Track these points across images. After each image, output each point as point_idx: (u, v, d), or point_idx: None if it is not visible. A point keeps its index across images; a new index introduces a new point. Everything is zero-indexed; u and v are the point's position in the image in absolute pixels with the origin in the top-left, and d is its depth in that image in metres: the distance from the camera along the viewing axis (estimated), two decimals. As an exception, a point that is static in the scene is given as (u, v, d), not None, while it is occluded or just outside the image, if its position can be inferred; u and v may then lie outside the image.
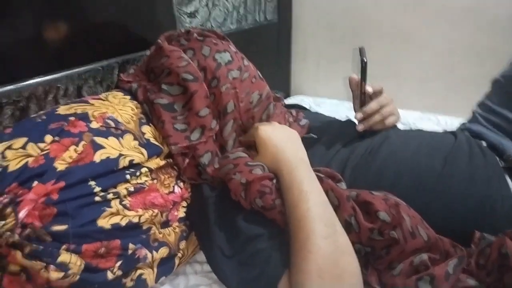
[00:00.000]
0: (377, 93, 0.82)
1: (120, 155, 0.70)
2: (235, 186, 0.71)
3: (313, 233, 0.59)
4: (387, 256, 0.62)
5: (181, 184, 0.82)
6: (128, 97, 0.84)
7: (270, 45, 1.56)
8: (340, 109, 1.57)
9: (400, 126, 0.94)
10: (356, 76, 0.82)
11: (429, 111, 1.48)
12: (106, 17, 0.91)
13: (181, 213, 0.80)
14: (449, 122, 1.39)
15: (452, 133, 0.86)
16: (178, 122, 0.78)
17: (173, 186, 0.79)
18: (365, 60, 0.76)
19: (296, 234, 0.61)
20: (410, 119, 1.42)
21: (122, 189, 0.69)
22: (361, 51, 0.77)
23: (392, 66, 1.48)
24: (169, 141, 0.77)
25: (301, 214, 0.62)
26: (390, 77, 1.50)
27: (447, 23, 1.37)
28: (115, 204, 0.67)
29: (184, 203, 0.82)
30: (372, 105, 0.81)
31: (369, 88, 0.80)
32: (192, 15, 1.12)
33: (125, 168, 0.70)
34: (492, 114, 0.90)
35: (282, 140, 0.76)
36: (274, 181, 0.71)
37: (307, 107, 1.60)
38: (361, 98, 0.81)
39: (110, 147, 0.70)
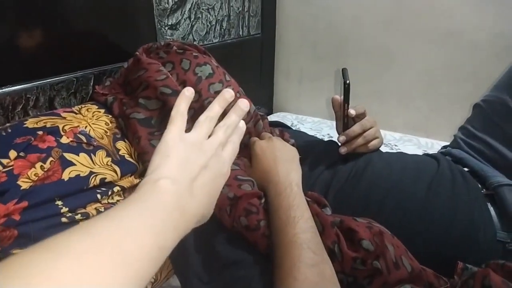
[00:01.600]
0: (360, 116, 0.81)
1: (91, 172, 0.66)
2: (222, 199, 0.67)
3: (300, 260, 0.56)
4: (369, 286, 0.60)
5: (156, 203, 0.77)
6: (103, 110, 0.80)
7: (253, 61, 1.54)
8: (323, 127, 1.56)
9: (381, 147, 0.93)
10: (339, 97, 0.81)
11: (410, 131, 1.49)
12: (84, 25, 0.87)
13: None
14: (430, 144, 1.40)
15: (434, 157, 0.85)
16: (155, 138, 0.75)
17: (148, 206, 0.75)
18: (348, 82, 0.74)
19: (281, 260, 0.58)
20: (391, 140, 1.43)
21: (92, 209, 0.64)
22: (344, 73, 0.76)
23: (373, 85, 1.48)
24: (144, 158, 0.74)
25: (288, 240, 0.59)
26: (371, 96, 1.51)
27: (428, 44, 1.39)
28: (83, 226, 0.62)
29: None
30: (355, 128, 0.80)
31: (351, 111, 0.78)
32: (173, 27, 1.09)
33: (96, 186, 0.66)
34: (473, 139, 0.90)
35: (276, 159, 0.73)
36: (263, 200, 0.68)
37: (290, 124, 1.59)
38: (343, 120, 0.79)
39: (81, 164, 0.65)
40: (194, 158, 0.43)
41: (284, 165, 0.72)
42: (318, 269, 0.56)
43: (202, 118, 0.48)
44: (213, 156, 0.45)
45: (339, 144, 0.82)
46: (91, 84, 0.90)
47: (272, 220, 0.64)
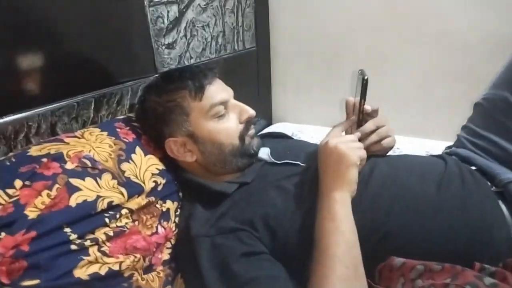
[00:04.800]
0: (373, 114, 0.81)
1: (98, 197, 0.65)
2: None
3: (332, 272, 0.60)
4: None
5: (165, 223, 0.77)
6: (106, 133, 0.79)
7: (250, 73, 1.55)
8: (323, 135, 1.56)
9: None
10: (353, 98, 0.81)
11: (409, 134, 1.49)
12: (82, 50, 0.88)
13: (165, 255, 0.75)
14: (432, 145, 1.40)
15: (441, 157, 0.85)
16: None
17: (156, 227, 0.74)
18: (366, 78, 0.75)
19: (315, 269, 0.62)
20: (393, 143, 1.42)
21: (100, 234, 0.63)
22: (362, 72, 0.77)
23: (369, 90, 1.49)
24: None
25: (320, 250, 0.63)
26: (368, 101, 1.51)
27: (422, 46, 1.40)
28: (93, 251, 0.61)
29: (169, 244, 0.77)
30: (369, 125, 0.80)
31: (367, 107, 0.79)
32: (170, 46, 1.10)
33: (103, 211, 0.65)
34: (477, 138, 0.90)
35: (330, 165, 0.73)
36: None
37: (290, 134, 1.59)
38: (358, 118, 0.79)
39: (87, 189, 0.65)
40: None
41: (333, 172, 0.72)
42: (349, 284, 0.56)
43: None
44: None
45: None
46: (92, 107, 0.90)
47: (317, 218, 0.68)
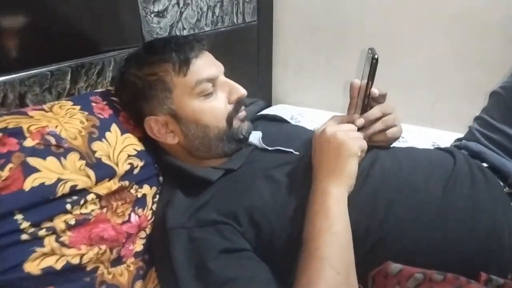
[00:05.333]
0: (380, 99, 0.72)
1: (59, 179, 0.58)
2: None
3: (320, 277, 0.53)
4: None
5: (140, 210, 0.70)
6: (78, 107, 0.71)
7: (249, 50, 1.45)
8: (324, 120, 1.47)
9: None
10: (359, 81, 0.72)
11: (416, 123, 1.40)
12: (59, 12, 0.78)
13: (138, 246, 0.68)
14: (439, 135, 1.31)
15: (449, 152, 0.77)
16: None
17: (129, 214, 0.67)
18: (376, 57, 0.65)
19: (300, 274, 0.55)
20: (398, 131, 1.33)
21: (60, 222, 0.56)
22: (372, 50, 0.67)
23: (376, 74, 1.39)
24: None
25: (308, 252, 0.56)
26: (376, 85, 1.41)
27: (435, 28, 1.29)
28: (50, 242, 0.54)
29: (143, 233, 0.70)
30: (374, 111, 0.70)
31: (375, 90, 0.69)
32: (160, 14, 1.00)
33: (65, 195, 0.58)
34: (491, 131, 0.82)
35: (325, 156, 0.65)
36: None
37: (289, 117, 1.50)
38: (363, 102, 0.70)
39: (47, 170, 0.57)
40: None
41: (331, 163, 0.64)
42: None
43: None
44: None
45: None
46: (68, 78, 0.81)
47: (308, 211, 0.62)
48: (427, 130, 1.35)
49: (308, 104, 1.60)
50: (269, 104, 1.66)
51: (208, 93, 0.72)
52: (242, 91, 0.75)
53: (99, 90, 0.83)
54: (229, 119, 0.74)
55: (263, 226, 0.65)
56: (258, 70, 1.52)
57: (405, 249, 0.62)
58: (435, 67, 1.35)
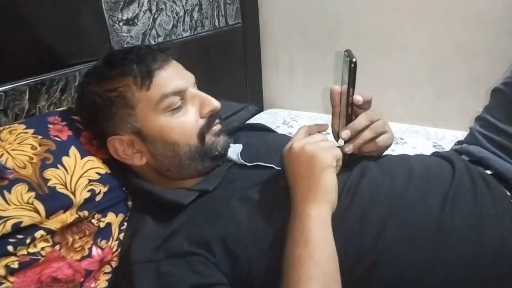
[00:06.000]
0: (365, 105, 0.63)
1: (-1, 218, 0.51)
2: None
3: None
4: None
5: (103, 242, 0.62)
6: (32, 130, 0.64)
7: (235, 53, 1.37)
8: (319, 122, 1.39)
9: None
10: (339, 87, 0.64)
11: (416, 122, 1.32)
12: (13, 26, 0.72)
13: (102, 282, 0.61)
14: (440, 134, 1.23)
15: (447, 159, 0.68)
16: None
17: (89, 248, 0.60)
18: (354, 60, 0.57)
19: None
20: (396, 132, 1.25)
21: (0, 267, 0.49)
22: (349, 53, 0.59)
23: (371, 72, 1.30)
24: None
25: (289, 285, 0.50)
26: (369, 85, 1.32)
27: (432, 19, 1.21)
28: (-13, 291, 0.47)
29: (108, 268, 0.62)
30: (361, 120, 0.62)
31: (358, 97, 0.60)
32: (130, 22, 0.93)
33: (5, 235, 0.51)
34: (494, 132, 0.73)
35: (315, 161, 0.57)
36: None
37: (281, 122, 1.43)
38: (347, 111, 0.62)
39: (-15, 208, 0.50)
40: None
41: (305, 181, 0.56)
42: None
43: None
44: None
45: (339, 144, 0.65)
46: (27, 97, 0.74)
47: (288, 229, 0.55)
48: (428, 129, 1.27)
49: (301, 107, 1.53)
50: (260, 109, 1.58)
51: (176, 107, 0.65)
52: (214, 104, 0.68)
53: (59, 109, 0.76)
54: (201, 135, 0.67)
55: (240, 256, 0.57)
56: (246, 74, 1.44)
57: (400, 277, 0.55)
58: (435, 61, 1.27)
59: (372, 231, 0.57)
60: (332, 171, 0.56)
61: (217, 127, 0.70)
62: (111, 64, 0.66)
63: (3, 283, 0.49)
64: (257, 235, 0.59)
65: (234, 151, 0.74)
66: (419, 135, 1.24)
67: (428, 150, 1.12)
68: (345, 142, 0.63)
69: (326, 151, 0.57)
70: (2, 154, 0.57)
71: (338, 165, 0.59)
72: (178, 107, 0.66)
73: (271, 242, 0.58)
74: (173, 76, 0.66)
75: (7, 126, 0.65)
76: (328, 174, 0.56)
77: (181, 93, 0.66)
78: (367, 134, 0.63)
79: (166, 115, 0.65)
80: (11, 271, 0.50)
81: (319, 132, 0.64)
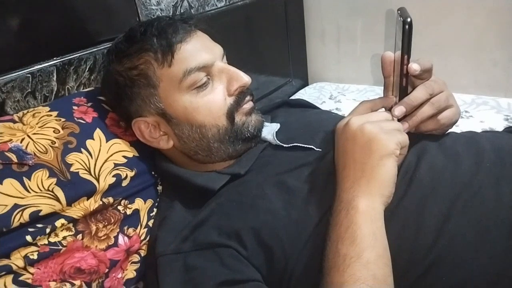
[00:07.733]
0: (425, 75, 0.53)
1: (16, 206, 0.48)
2: None
3: None
4: None
5: (131, 230, 0.59)
6: (55, 113, 0.61)
7: (276, 24, 1.27)
8: (369, 96, 1.28)
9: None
10: (391, 54, 0.54)
11: (485, 92, 1.16)
12: (36, 5, 0.69)
13: (129, 273, 0.58)
14: (514, 106, 1.06)
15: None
16: None
17: (115, 237, 0.57)
18: (409, 20, 0.46)
19: None
20: (460, 104, 1.10)
21: (18, 258, 0.47)
22: (402, 12, 0.49)
23: (431, 37, 1.16)
24: None
25: (338, 283, 0.43)
26: (429, 51, 1.18)
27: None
28: (6, 284, 0.45)
29: (136, 257, 0.59)
30: (418, 93, 0.51)
31: (414, 66, 0.49)
32: (160, -6, 0.87)
33: (23, 225, 0.48)
34: None
35: (375, 146, 0.47)
36: None
37: (328, 96, 1.32)
38: (401, 83, 0.51)
39: (3, 195, 0.48)
40: None
41: (358, 167, 0.48)
42: None
43: None
44: None
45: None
46: (54, 78, 0.72)
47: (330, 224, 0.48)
48: (499, 100, 1.10)
49: (350, 80, 1.41)
50: (305, 83, 1.48)
51: (201, 84, 0.59)
52: (244, 79, 0.60)
53: (86, 90, 0.73)
54: (230, 115, 0.60)
55: (274, 248, 0.51)
56: (289, 45, 1.34)
57: (464, 281, 0.45)
58: (507, 21, 1.08)
59: (431, 227, 0.47)
60: (394, 160, 0.47)
61: (248, 105, 0.63)
62: (131, 39, 0.61)
63: (23, 274, 0.47)
64: (293, 227, 0.52)
65: (270, 130, 0.67)
66: (488, 107, 1.09)
67: (499, 125, 0.97)
68: (400, 119, 0.53)
69: (390, 135, 0.47)
70: (23, 139, 0.55)
71: (402, 153, 0.49)
72: (204, 84, 0.59)
73: (309, 235, 0.51)
74: (197, 49, 0.60)
75: (31, 109, 0.62)
76: (388, 163, 0.46)
77: (206, 69, 0.59)
78: (426, 110, 0.52)
79: (190, 94, 0.59)
80: (30, 262, 0.47)
81: (384, 108, 0.54)
